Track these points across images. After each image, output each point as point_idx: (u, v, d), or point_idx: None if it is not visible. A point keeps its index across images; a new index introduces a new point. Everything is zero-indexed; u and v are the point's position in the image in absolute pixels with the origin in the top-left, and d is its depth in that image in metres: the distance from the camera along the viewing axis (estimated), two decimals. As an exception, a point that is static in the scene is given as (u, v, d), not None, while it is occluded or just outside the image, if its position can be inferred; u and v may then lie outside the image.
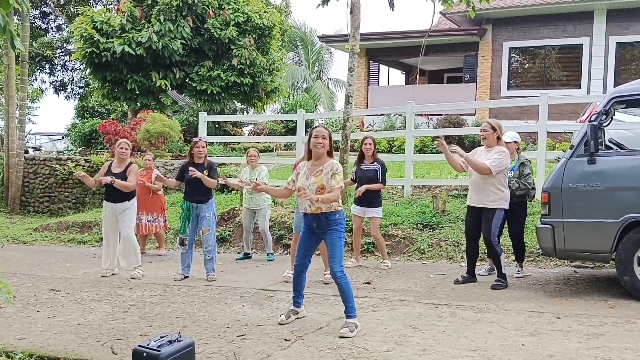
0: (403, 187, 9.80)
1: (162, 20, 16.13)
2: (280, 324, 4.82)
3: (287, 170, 12.19)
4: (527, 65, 18.14)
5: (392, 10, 9.91)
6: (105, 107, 25.15)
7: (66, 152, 18.28)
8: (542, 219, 5.61)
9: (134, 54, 15.71)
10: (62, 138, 25.09)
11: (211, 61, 17.17)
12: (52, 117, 59.12)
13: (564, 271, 6.76)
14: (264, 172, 8.17)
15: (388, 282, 6.48)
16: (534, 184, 6.43)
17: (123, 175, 6.98)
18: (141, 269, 7.20)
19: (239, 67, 16.82)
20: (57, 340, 4.65)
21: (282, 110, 24.58)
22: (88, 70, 17.02)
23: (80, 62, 17.61)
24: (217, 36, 16.74)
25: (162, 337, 3.55)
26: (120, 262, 7.20)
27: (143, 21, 16.34)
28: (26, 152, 18.32)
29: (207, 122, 16.52)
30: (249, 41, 16.77)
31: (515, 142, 6.46)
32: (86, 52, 15.80)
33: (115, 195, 7.02)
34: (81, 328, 4.96)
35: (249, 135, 20.21)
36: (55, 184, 13.06)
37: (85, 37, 15.78)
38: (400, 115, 15.24)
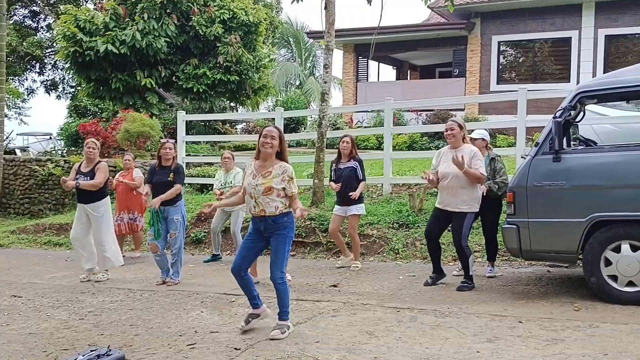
0: (382, 185, 9.63)
1: (146, 18, 15.92)
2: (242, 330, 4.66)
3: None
4: (516, 59, 17.95)
5: (370, 4, 9.73)
6: (98, 106, 24.93)
7: (53, 152, 18.07)
8: (508, 219, 5.45)
9: (117, 52, 15.52)
10: (50, 138, 24.91)
11: (197, 59, 16.94)
12: (45, 116, 58.82)
13: (537, 271, 6.61)
14: (240, 175, 8.00)
15: (355, 284, 6.33)
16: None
17: (91, 174, 6.83)
18: (107, 273, 7.10)
19: (225, 64, 16.58)
20: (3, 351, 4.50)
21: (275, 107, 24.28)
22: (72, 70, 16.84)
23: (64, 61, 17.42)
24: (203, 34, 16.53)
25: (92, 351, 3.43)
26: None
27: (127, 19, 16.14)
28: (13, 152, 18.21)
29: (198, 121, 16.40)
30: (235, 38, 16.55)
31: (484, 139, 6.31)
32: (69, 51, 15.61)
33: (85, 196, 6.89)
34: (31, 337, 4.82)
35: (241, 133, 19.97)
36: (35, 185, 12.91)
37: (68, 36, 15.59)
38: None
